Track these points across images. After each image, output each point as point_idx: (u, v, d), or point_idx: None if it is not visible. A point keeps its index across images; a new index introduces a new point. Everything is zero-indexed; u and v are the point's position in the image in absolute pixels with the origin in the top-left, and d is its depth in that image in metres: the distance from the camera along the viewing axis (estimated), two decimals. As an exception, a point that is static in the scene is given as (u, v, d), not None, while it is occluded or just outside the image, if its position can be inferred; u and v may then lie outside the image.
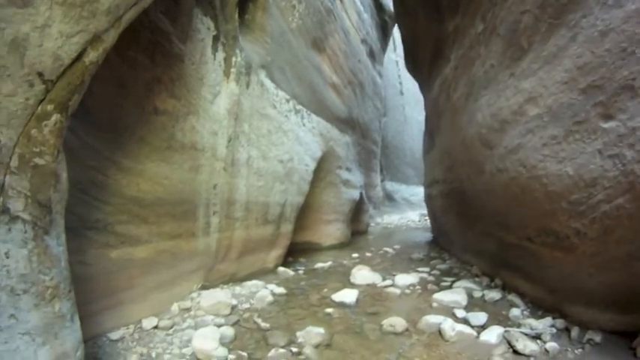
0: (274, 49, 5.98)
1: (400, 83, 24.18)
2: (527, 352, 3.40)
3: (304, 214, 8.49)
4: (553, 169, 3.43)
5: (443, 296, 5.04)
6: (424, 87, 9.12)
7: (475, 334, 3.84)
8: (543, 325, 3.88)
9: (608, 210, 3.03)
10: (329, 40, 9.21)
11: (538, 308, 4.45)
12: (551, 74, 3.31)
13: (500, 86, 4.19)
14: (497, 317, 4.40)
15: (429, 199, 10.67)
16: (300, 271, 6.70)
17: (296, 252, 7.07)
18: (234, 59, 4.66)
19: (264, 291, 4.99)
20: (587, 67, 2.92)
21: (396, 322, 3.98)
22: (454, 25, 5.63)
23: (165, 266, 3.75)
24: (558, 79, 3.22)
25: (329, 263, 7.44)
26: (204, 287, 4.53)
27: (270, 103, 5.90)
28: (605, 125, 2.84)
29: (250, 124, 5.29)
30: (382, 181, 19.68)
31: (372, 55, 14.33)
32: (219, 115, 4.45)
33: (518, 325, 4.05)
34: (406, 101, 24.51)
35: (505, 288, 5.34)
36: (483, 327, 4.04)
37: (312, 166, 8.01)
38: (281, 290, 5.19)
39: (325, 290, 5.45)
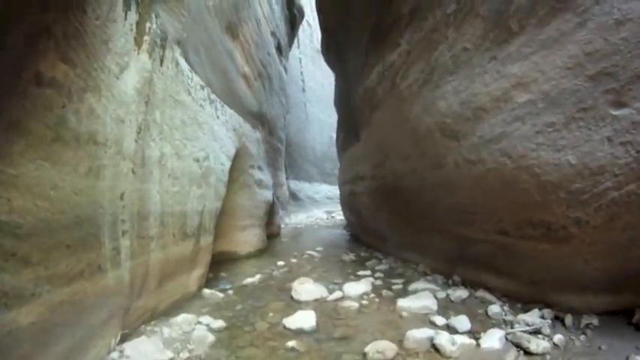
0: (190, 26, 4.86)
1: (303, 80, 23.96)
2: (540, 350, 3.22)
3: (217, 221, 7.36)
4: (549, 158, 3.32)
5: (409, 303, 4.62)
6: (350, 79, 8.61)
7: (474, 342, 3.45)
8: (534, 318, 3.71)
9: (617, 197, 3.03)
10: (242, 27, 8.27)
11: (515, 302, 4.36)
12: (550, 59, 3.16)
13: (476, 71, 3.91)
14: (478, 318, 4.16)
15: (349, 196, 10.31)
16: (229, 291, 5.61)
17: (212, 265, 5.96)
18: (148, 25, 3.48)
19: (199, 329, 3.88)
20: (597, 54, 2.83)
21: (384, 347, 3.33)
22: (411, 7, 5.20)
23: (67, 327, 2.46)
24: (560, 64, 3.09)
25: (258, 277, 6.47)
26: (123, 338, 3.26)
27: (184, 88, 4.74)
28: (616, 112, 2.83)
29: (163, 112, 4.09)
30: (286, 179, 19.05)
31: (279, 49, 13.62)
32: (127, 96, 3.24)
33: (506, 323, 3.89)
34: (308, 99, 24.37)
35: (466, 285, 5.19)
36: (472, 332, 3.72)
37: (228, 165, 6.94)
38: (219, 324, 4.11)
39: (271, 315, 4.54)
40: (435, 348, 3.36)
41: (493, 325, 3.81)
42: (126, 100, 3.23)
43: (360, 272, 6.70)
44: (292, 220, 18.16)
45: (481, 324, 3.93)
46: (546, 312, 3.81)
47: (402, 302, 4.66)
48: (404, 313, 4.44)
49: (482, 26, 3.79)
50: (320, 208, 22.54)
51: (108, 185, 3.02)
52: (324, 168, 25.42)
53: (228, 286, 5.91)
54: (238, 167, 8.37)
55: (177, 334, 3.71)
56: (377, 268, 7.08)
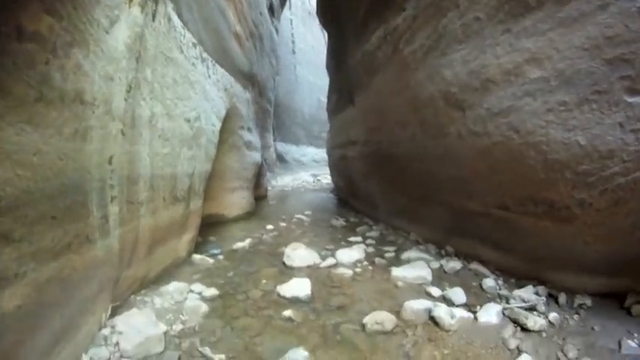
0: (182, -22, 4.40)
1: (293, 42, 23.08)
2: (537, 327, 3.18)
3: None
4: (557, 136, 3.21)
5: (404, 272, 4.61)
6: (347, 42, 8.14)
7: (472, 316, 3.45)
8: (529, 294, 3.72)
9: (623, 183, 2.98)
10: None
11: (509, 277, 4.35)
12: (567, 38, 3.03)
13: (488, 42, 3.71)
14: (472, 290, 4.17)
15: (340, 160, 10.13)
16: (220, 256, 5.50)
17: (201, 229, 5.80)
18: (138, -28, 3.08)
19: (191, 298, 3.76)
20: (617, 39, 2.74)
21: (382, 319, 3.31)
22: (419, -29, 4.82)
23: (55, 307, 2.27)
24: (577, 44, 2.96)
25: (248, 241, 6.36)
26: (113, 311, 3.10)
27: (177, 45, 4.36)
28: (631, 99, 2.77)
29: (154, 70, 3.74)
30: (274, 141, 18.69)
31: (271, 9, 12.90)
32: (117, 51, 2.89)
33: (500, 298, 3.90)
34: (298, 61, 23.58)
35: (459, 256, 5.18)
36: (468, 305, 3.73)
37: (218, 126, 6.62)
38: (212, 292, 4.00)
39: (264, 282, 4.45)
40: (434, 320, 3.34)
41: (488, 300, 3.81)
42: (116, 56, 2.89)
43: (352, 238, 6.66)
44: (279, 182, 17.99)
45: (476, 297, 3.93)
46: (540, 289, 3.81)
47: (397, 271, 4.65)
48: (399, 283, 4.42)
49: (498, -4, 3.59)
50: (306, 171, 22.37)
51: (96, 148, 2.74)
52: (311, 131, 25.03)
53: (217, 251, 5.78)
54: (228, 128, 8.04)
55: (169, 304, 3.58)
56: (368, 234, 7.05)
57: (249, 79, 9.57)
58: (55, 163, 2.24)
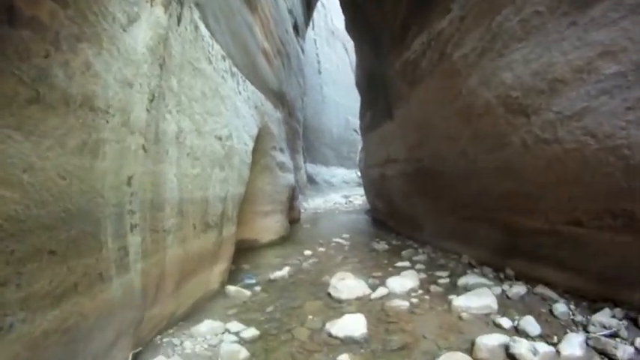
0: (208, -13, 4.05)
1: (318, 62, 22.95)
2: (625, 357, 2.75)
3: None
4: None
5: (466, 301, 3.99)
6: (382, 52, 7.65)
7: (553, 349, 2.93)
8: (607, 319, 3.28)
9: None
10: (260, 1, 7.36)
11: (580, 299, 3.87)
12: None
13: (552, 37, 3.38)
14: (542, 318, 3.62)
15: (378, 179, 9.46)
16: (256, 287, 4.90)
17: (233, 256, 5.30)
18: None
19: (228, 340, 3.17)
20: None
21: (458, 361, 2.60)
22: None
23: None
24: None
25: (286, 269, 5.75)
26: (135, 358, 2.56)
27: (205, 56, 3.95)
28: None
29: (180, 80, 3.31)
30: (304, 163, 18.28)
31: (296, 28, 12.69)
32: (137, 53, 2.46)
33: (576, 325, 3.41)
34: (324, 81, 23.37)
35: (520, 279, 4.66)
36: (543, 336, 3.24)
37: (251, 145, 6.16)
38: (251, 332, 3.38)
39: (310, 318, 3.83)
40: (513, 358, 2.82)
41: (562, 327, 3.38)
42: (135, 58, 2.45)
43: (399, 264, 5.96)
44: (310, 204, 17.45)
45: (549, 326, 3.44)
46: (617, 311, 3.39)
47: (458, 301, 4.01)
48: (463, 314, 3.79)
49: (558, -13, 3.16)
50: (337, 192, 21.78)
51: (110, 166, 2.26)
52: (340, 151, 24.55)
53: (253, 281, 5.22)
54: (260, 149, 7.61)
55: (202, 348, 3.00)
56: (415, 258, 6.33)
57: (279, 98, 9.20)
58: (55, 183, 1.75)
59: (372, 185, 10.67)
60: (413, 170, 6.95)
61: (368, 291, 4.55)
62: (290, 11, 11.41)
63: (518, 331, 3.34)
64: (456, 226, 6.19)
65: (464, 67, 4.62)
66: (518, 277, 4.71)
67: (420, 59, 5.67)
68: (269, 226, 8.54)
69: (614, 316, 3.32)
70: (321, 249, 7.64)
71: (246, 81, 6.06)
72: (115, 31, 2.23)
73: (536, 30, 3.52)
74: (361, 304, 4.25)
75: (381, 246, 7.52)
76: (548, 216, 4.11)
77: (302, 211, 14.20)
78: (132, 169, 2.54)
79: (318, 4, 20.24)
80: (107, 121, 2.17)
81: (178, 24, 3.23)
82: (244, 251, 7.01)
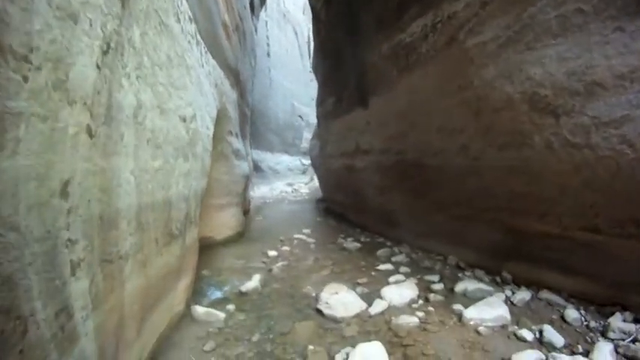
0: None
1: (268, 44, 21.26)
2: None
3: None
4: None
5: (479, 313, 3.56)
6: (362, 35, 6.68)
7: None
8: (621, 323, 3.19)
9: None
10: None
11: (587, 304, 3.72)
12: None
13: (595, 39, 3.12)
14: (556, 324, 3.40)
15: (344, 171, 8.56)
16: (229, 306, 3.85)
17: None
18: None
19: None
20: None
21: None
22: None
23: None
24: None
25: (256, 278, 4.69)
26: None
27: (174, 10, 2.87)
28: None
29: (144, 35, 2.18)
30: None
31: (252, 6, 11.24)
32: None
33: (592, 331, 3.25)
34: (272, 64, 21.76)
35: (518, 283, 4.39)
36: (568, 347, 3.03)
37: (212, 129, 5.02)
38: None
39: (312, 349, 2.99)
40: None
41: (580, 335, 3.22)
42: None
43: (380, 267, 5.28)
44: (256, 193, 16.27)
45: (567, 334, 3.23)
46: (627, 315, 3.35)
47: (470, 313, 3.55)
48: (480, 328, 3.34)
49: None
50: (282, 180, 20.74)
51: (31, 166, 1.16)
52: (285, 137, 23.34)
53: (220, 295, 4.19)
54: (216, 134, 6.41)
55: None
56: (394, 259, 5.69)
57: (235, 78, 7.97)
58: None
59: (332, 176, 9.80)
60: (392, 163, 6.22)
61: (364, 305, 3.78)
62: (248, -13, 10.08)
63: (542, 343, 3.09)
64: (443, 225, 5.64)
65: (479, 56, 4.06)
66: (516, 281, 4.40)
67: (419, 43, 4.92)
68: (225, 221, 7.39)
69: (624, 320, 3.27)
70: (285, 247, 6.69)
71: (208, 53, 4.88)
72: None
73: (577, 28, 3.22)
74: (362, 323, 3.51)
75: (351, 244, 6.75)
76: (562, 220, 3.84)
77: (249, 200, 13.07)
78: (69, 168, 1.43)
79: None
80: (25, 79, 1.06)
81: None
82: (199, 251, 5.86)
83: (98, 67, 1.53)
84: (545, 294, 3.97)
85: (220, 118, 6.34)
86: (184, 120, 3.36)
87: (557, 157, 3.57)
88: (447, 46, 4.42)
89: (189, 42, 3.45)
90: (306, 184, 21.02)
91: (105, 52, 1.59)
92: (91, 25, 1.45)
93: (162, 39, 2.55)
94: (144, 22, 2.13)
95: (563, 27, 3.32)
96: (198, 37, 4.11)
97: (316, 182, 19.39)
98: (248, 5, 10.28)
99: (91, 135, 1.59)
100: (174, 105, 3.00)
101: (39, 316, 1.15)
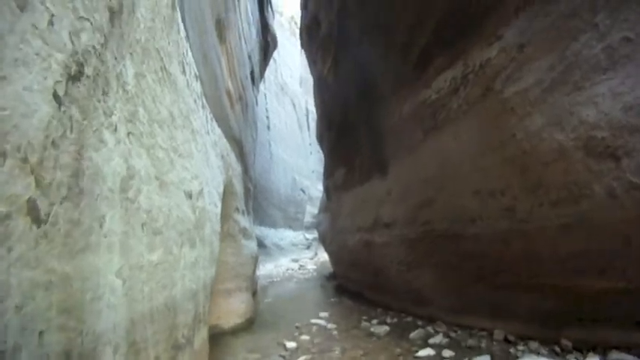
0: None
1: (267, 117, 21.38)
2: None
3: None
4: None
5: None
6: (376, 98, 6.33)
7: None
8: None
9: None
10: (229, 32, 6.03)
11: None
12: None
13: None
14: None
15: (361, 248, 7.68)
16: None
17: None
18: None
19: None
20: None
21: None
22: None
23: None
24: None
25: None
26: None
27: (179, 58, 2.34)
28: None
29: (141, 75, 1.57)
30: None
31: (252, 77, 11.27)
32: None
33: None
34: (272, 138, 21.72)
35: (580, 349, 3.83)
36: None
37: (220, 207, 4.34)
38: None
39: None
40: None
41: None
42: None
43: (420, 353, 4.31)
44: (262, 270, 15.12)
45: None
46: None
47: None
48: None
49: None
50: (286, 256, 19.63)
51: None
52: (288, 212, 22.63)
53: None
54: (222, 211, 5.73)
55: None
56: (431, 341, 4.73)
57: (240, 149, 7.49)
58: None
59: (346, 253, 8.84)
60: (418, 235, 5.48)
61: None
62: (249, 57, 10.05)
63: None
64: (483, 297, 4.80)
65: (521, 105, 3.61)
66: (577, 347, 3.90)
67: (448, 98, 4.51)
68: (233, 307, 6.39)
69: None
70: (304, 336, 5.62)
71: (214, 120, 4.36)
72: None
73: (627, 59, 2.94)
74: None
75: (379, 327, 5.69)
76: (626, 273, 3.40)
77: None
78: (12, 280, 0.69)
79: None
80: None
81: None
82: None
83: (57, 98, 0.87)
84: (614, 355, 3.52)
85: (226, 194, 5.70)
86: (190, 196, 2.67)
87: (620, 203, 3.11)
88: (482, 98, 3.96)
89: (195, 101, 2.89)
90: (311, 259, 19.93)
91: (72, 78, 0.94)
92: (51, 24, 0.82)
93: (165, 90, 1.96)
94: (141, 60, 1.54)
95: (612, 59, 3.02)
96: (204, 100, 3.60)
97: (321, 257, 18.29)
98: (249, 75, 10.18)
99: (37, 221, 0.88)
100: (177, 177, 2.33)
101: None
